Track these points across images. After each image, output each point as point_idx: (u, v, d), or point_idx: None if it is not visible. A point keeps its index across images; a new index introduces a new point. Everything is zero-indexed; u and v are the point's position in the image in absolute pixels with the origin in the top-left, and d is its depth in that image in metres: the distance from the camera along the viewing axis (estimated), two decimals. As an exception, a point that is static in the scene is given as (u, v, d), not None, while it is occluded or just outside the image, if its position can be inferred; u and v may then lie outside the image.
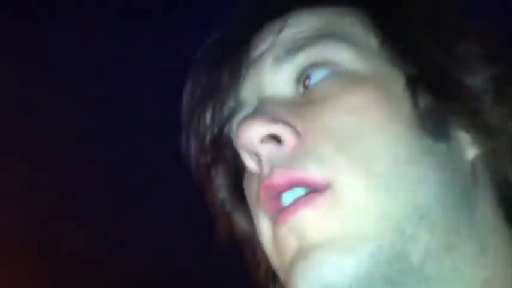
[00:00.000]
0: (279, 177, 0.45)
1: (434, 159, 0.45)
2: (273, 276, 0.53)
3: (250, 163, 0.47)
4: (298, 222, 0.44)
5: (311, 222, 0.44)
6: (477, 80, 0.47)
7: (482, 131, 0.47)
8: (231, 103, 0.52)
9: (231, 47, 0.52)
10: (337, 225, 0.43)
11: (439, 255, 0.44)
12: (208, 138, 0.54)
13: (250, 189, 0.50)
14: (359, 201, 0.44)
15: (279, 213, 0.45)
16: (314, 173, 0.44)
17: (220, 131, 0.53)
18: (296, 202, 0.44)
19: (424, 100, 0.47)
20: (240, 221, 0.56)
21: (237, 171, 0.54)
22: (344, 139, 0.45)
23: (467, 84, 0.47)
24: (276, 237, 0.46)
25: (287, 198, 0.45)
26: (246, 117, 0.47)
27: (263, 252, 0.50)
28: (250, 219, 0.53)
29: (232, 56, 0.51)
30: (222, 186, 0.55)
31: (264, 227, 0.48)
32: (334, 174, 0.44)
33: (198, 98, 0.53)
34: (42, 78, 1.51)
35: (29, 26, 1.41)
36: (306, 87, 0.49)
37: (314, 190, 0.44)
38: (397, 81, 0.47)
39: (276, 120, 0.46)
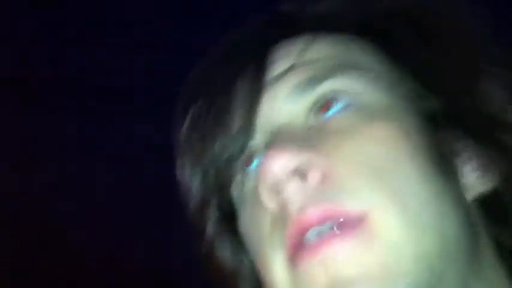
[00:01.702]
0: (312, 213, 0.42)
1: (455, 198, 0.45)
2: None
3: (269, 202, 0.44)
4: (333, 255, 0.42)
5: (347, 255, 0.41)
6: (500, 117, 0.46)
7: (492, 168, 0.46)
8: (240, 131, 0.47)
9: (242, 64, 0.48)
10: (374, 261, 0.41)
11: None
12: (212, 170, 0.49)
13: (259, 226, 0.46)
14: (395, 237, 0.42)
15: (302, 249, 0.42)
16: (349, 206, 0.42)
17: (227, 163, 0.48)
18: (327, 235, 0.42)
19: (441, 136, 0.45)
20: (224, 256, 0.53)
21: (230, 204, 0.51)
22: (375, 171, 0.43)
23: (489, 121, 0.46)
24: (297, 274, 0.43)
25: (311, 235, 0.43)
26: (269, 150, 0.43)
27: None
28: (237, 256, 0.51)
29: (243, 73, 0.47)
30: (212, 218, 0.52)
31: (277, 266, 0.45)
32: (369, 208, 0.42)
33: (202, 121, 0.49)
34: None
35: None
36: (322, 116, 0.46)
37: (345, 225, 0.42)
38: (414, 116, 0.46)
39: (301, 152, 0.43)
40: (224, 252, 0.52)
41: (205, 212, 0.51)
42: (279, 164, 0.42)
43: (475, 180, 0.47)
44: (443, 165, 0.45)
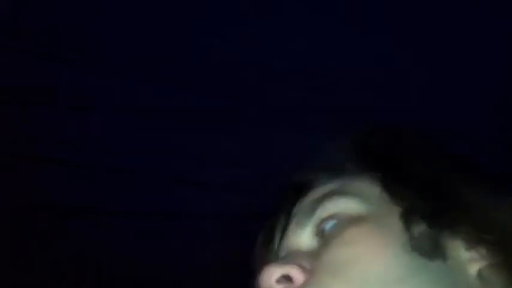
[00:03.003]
0: None
1: (429, 276, 0.53)
2: None
3: None
4: None
5: None
6: (468, 205, 0.57)
7: (479, 249, 0.56)
8: (272, 256, 0.65)
9: (281, 218, 0.66)
10: None
11: None
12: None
13: None
14: None
15: None
16: None
17: None
18: None
19: (417, 228, 0.55)
20: None
21: None
22: (340, 268, 0.54)
23: (459, 210, 0.57)
24: None
25: None
26: (267, 264, 0.59)
27: None
28: None
29: (281, 222, 0.66)
30: None
31: None
32: None
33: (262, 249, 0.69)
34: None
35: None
36: (322, 236, 0.60)
37: None
38: (393, 215, 0.57)
39: (287, 263, 0.58)
40: None
41: None
42: (269, 273, 0.58)
43: (474, 256, 0.55)
44: (424, 250, 0.54)
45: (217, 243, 1.26)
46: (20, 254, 1.86)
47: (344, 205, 0.60)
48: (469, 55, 1.29)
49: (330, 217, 0.60)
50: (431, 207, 0.58)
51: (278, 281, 0.58)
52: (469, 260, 0.54)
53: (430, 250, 0.54)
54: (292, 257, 0.60)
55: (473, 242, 0.55)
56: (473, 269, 0.54)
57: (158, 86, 1.49)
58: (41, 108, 1.57)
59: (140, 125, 1.55)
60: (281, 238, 0.66)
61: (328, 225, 0.60)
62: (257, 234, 0.74)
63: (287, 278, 0.57)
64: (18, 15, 1.45)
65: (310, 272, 0.56)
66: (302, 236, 0.62)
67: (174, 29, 1.46)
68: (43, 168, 1.70)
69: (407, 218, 0.57)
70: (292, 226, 0.64)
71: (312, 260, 0.58)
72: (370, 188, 0.61)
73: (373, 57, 1.27)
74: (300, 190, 0.68)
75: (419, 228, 0.56)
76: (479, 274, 0.54)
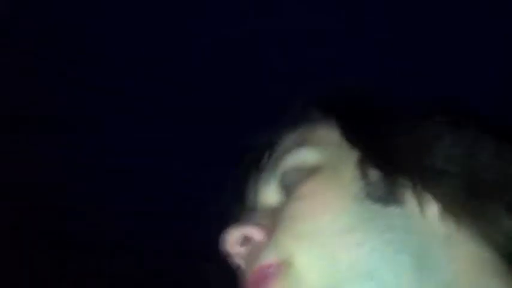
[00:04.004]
0: (251, 276, 0.54)
1: (383, 222, 0.52)
2: None
3: (236, 263, 0.57)
4: None
5: None
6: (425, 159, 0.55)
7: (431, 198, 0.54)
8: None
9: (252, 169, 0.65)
10: None
11: None
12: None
13: None
14: (304, 267, 0.51)
15: None
16: (270, 258, 0.53)
17: None
18: (261, 283, 0.53)
19: (372, 175, 0.54)
20: None
21: None
22: (292, 222, 0.54)
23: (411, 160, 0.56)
24: None
25: None
26: (227, 227, 0.58)
27: None
28: None
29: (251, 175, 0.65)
30: None
31: None
32: (283, 253, 0.52)
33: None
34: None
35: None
36: (286, 192, 0.59)
37: (272, 272, 0.53)
38: (349, 162, 0.56)
39: (246, 223, 0.57)
40: None
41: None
42: (229, 235, 0.57)
43: (429, 200, 0.54)
44: (378, 196, 0.53)
45: (217, 243, 1.25)
46: (20, 254, 1.86)
47: (302, 156, 0.59)
48: (469, 55, 1.29)
49: (291, 170, 0.59)
50: (386, 153, 0.57)
51: (242, 243, 0.57)
52: (425, 203, 0.54)
53: (385, 195, 0.54)
54: (256, 217, 0.59)
55: (428, 186, 0.54)
56: (431, 217, 0.54)
57: (158, 86, 1.50)
58: (41, 107, 1.57)
59: (140, 125, 1.55)
60: (254, 199, 0.65)
61: (290, 179, 0.59)
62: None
63: (247, 239, 0.57)
64: (18, 15, 1.45)
65: (270, 230, 0.56)
66: (268, 194, 0.61)
67: (174, 29, 1.46)
68: (43, 168, 1.70)
69: (363, 164, 0.56)
70: (260, 185, 0.62)
71: (272, 216, 0.57)
72: (328, 134, 0.61)
73: (373, 57, 1.27)
74: (266, 149, 0.66)
75: (374, 175, 0.55)
76: (437, 217, 0.54)
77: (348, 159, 0.57)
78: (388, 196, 0.54)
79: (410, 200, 0.54)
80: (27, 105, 1.57)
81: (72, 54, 1.50)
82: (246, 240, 0.56)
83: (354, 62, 1.22)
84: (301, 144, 0.60)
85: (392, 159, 0.56)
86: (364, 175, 0.55)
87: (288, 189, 0.58)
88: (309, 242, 0.53)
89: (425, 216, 0.53)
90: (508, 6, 1.22)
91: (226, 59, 1.41)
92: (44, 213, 1.77)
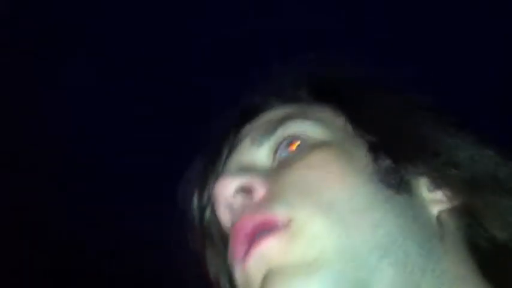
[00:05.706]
0: (247, 221, 0.52)
1: (394, 208, 0.52)
2: None
3: (224, 215, 0.55)
4: (263, 252, 0.50)
5: (274, 249, 0.50)
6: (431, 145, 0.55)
7: (444, 190, 0.54)
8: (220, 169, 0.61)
9: (222, 143, 0.64)
10: (299, 251, 0.49)
11: None
12: (197, 218, 0.64)
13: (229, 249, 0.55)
14: (318, 231, 0.49)
15: (246, 253, 0.51)
16: (278, 213, 0.51)
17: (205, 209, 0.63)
18: (261, 238, 0.50)
19: (384, 163, 0.54)
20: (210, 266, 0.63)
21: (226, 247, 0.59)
22: (305, 188, 0.52)
23: (423, 150, 0.55)
24: (245, 276, 0.51)
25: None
26: (222, 175, 0.56)
27: None
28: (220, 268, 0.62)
29: (221, 148, 0.63)
30: (213, 263, 0.63)
31: (237, 274, 0.52)
32: (295, 213, 0.51)
33: (191, 181, 0.65)
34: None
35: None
36: (279, 156, 0.57)
37: (275, 228, 0.51)
38: (359, 148, 0.55)
39: (246, 174, 0.55)
40: (210, 264, 0.64)
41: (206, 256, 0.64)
42: (227, 182, 0.54)
43: (440, 197, 0.54)
44: (390, 183, 0.53)
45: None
46: (20, 254, 1.86)
47: (309, 128, 0.57)
48: (469, 55, 1.29)
49: (292, 137, 0.57)
50: (397, 143, 0.56)
51: (236, 193, 0.54)
52: (431, 201, 0.54)
53: (397, 184, 0.53)
54: (249, 171, 0.56)
55: (436, 183, 0.54)
56: (435, 210, 0.54)
57: (158, 86, 1.50)
58: (41, 108, 1.57)
59: (140, 125, 1.55)
60: (227, 157, 0.62)
61: (286, 147, 0.57)
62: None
63: (244, 191, 0.54)
64: (18, 15, 1.45)
65: (268, 189, 0.53)
66: (258, 154, 0.59)
67: (174, 29, 1.46)
68: (43, 168, 1.70)
69: (375, 151, 0.55)
70: (245, 144, 0.60)
71: (270, 177, 0.55)
72: (333, 118, 0.59)
73: (373, 57, 1.27)
74: (249, 112, 0.65)
75: (385, 163, 0.54)
76: (439, 216, 0.54)
77: (358, 145, 0.56)
78: (399, 185, 0.53)
79: (420, 190, 0.54)
80: (27, 105, 1.57)
81: (72, 54, 1.50)
82: (243, 191, 0.54)
83: (354, 62, 1.22)
84: (304, 117, 0.58)
85: (403, 149, 0.55)
86: (376, 162, 0.54)
87: (285, 156, 0.56)
88: (324, 213, 0.50)
89: (429, 214, 0.53)
90: (508, 6, 1.22)
91: (226, 59, 1.41)
92: (44, 213, 1.77)
